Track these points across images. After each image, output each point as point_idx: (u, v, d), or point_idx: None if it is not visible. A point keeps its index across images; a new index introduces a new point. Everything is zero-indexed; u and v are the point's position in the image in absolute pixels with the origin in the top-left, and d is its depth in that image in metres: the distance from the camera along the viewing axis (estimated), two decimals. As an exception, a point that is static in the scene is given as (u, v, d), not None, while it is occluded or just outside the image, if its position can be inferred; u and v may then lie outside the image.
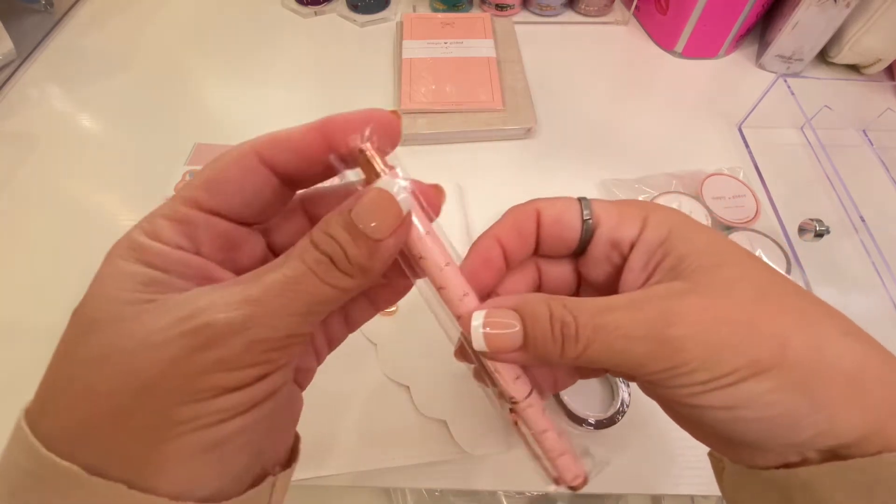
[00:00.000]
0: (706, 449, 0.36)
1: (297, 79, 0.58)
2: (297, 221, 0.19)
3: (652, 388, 0.18)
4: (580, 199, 0.21)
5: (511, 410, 0.20)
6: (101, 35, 0.62)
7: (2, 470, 0.14)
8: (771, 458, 0.17)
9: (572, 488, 0.21)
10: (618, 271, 0.20)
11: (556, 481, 0.21)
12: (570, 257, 0.22)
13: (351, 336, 0.37)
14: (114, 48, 0.61)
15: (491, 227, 0.21)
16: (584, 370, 0.24)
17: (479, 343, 0.18)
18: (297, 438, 0.21)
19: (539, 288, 0.23)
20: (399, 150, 0.56)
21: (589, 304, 0.17)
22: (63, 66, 0.58)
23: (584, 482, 0.21)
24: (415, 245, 0.18)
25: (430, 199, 0.18)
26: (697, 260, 0.18)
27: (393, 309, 0.38)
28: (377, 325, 0.38)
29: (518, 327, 0.18)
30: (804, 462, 0.16)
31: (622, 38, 0.65)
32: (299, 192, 0.18)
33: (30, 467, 0.13)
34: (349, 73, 0.59)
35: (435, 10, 0.65)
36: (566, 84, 0.58)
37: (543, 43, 0.63)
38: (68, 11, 0.64)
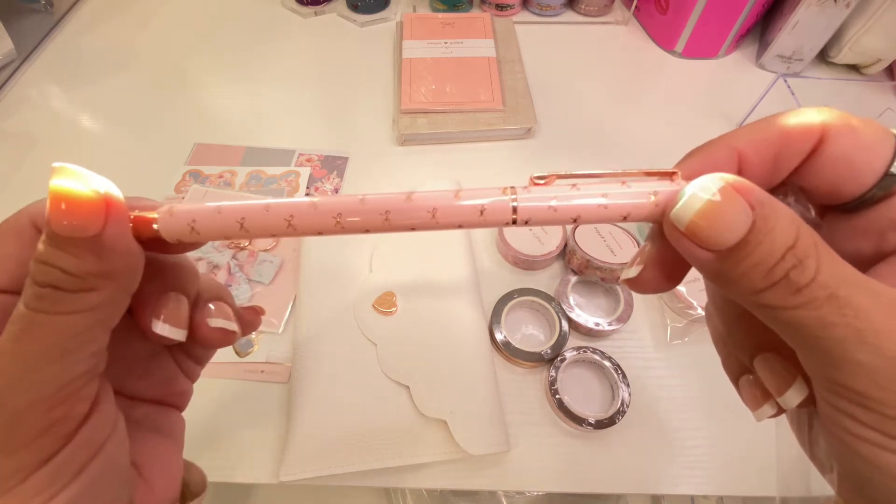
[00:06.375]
0: (705, 449, 0.36)
1: (297, 79, 0.58)
2: None
3: (815, 388, 0.14)
4: None
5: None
6: (101, 35, 0.62)
7: None
8: None
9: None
10: (873, 257, 0.15)
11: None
12: (818, 205, 0.16)
13: (351, 335, 0.37)
14: (114, 48, 0.61)
15: (725, 136, 0.15)
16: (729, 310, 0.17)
17: (688, 209, 0.13)
18: (198, 473, 0.20)
19: None
20: (400, 149, 0.55)
21: (844, 269, 0.13)
22: (63, 66, 0.58)
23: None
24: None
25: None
26: None
27: (393, 308, 0.38)
28: (377, 325, 0.38)
29: (747, 221, 0.12)
30: None
31: (622, 38, 0.65)
32: None
33: None
34: (349, 73, 0.59)
35: (435, 10, 0.65)
36: (566, 84, 0.58)
37: (543, 43, 0.63)
38: (68, 11, 0.64)
